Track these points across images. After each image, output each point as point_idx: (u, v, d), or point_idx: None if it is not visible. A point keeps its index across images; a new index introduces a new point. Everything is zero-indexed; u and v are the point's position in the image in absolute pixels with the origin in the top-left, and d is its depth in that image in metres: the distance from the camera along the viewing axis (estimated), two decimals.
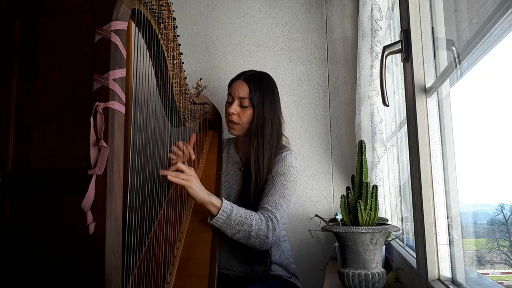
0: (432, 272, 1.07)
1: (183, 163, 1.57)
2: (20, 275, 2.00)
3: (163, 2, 1.23)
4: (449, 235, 1.08)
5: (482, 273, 1.05)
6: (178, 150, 1.62)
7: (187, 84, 1.58)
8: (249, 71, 1.83)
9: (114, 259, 0.86)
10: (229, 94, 1.78)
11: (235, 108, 1.73)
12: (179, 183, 1.45)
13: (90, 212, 0.85)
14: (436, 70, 1.12)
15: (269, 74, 1.85)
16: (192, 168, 1.52)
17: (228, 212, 1.49)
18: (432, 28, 1.13)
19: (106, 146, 0.87)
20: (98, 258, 0.84)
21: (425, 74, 1.11)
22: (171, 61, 1.41)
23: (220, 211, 1.48)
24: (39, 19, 2.17)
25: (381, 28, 1.84)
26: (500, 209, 0.96)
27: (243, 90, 1.73)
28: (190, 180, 1.47)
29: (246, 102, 1.72)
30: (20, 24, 2.17)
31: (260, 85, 1.74)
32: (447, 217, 1.08)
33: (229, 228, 1.49)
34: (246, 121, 1.73)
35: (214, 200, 1.50)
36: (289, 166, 1.68)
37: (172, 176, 1.44)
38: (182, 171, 1.47)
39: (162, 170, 1.45)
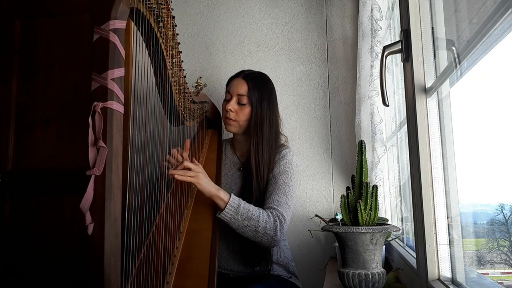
0: (432, 272, 1.07)
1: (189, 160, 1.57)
2: (20, 275, 2.00)
3: (162, 1, 1.22)
4: (449, 235, 1.08)
5: (482, 273, 1.04)
6: (172, 160, 1.58)
7: (186, 83, 1.58)
8: (247, 70, 1.83)
9: (113, 260, 0.85)
10: (227, 92, 1.79)
11: (232, 105, 1.73)
12: (187, 180, 1.48)
13: (89, 212, 0.85)
14: (436, 70, 1.12)
15: (269, 74, 1.86)
16: (199, 164, 1.54)
17: (236, 207, 1.51)
18: (432, 28, 1.13)
19: (105, 146, 0.87)
20: (97, 258, 0.84)
21: (425, 74, 1.11)
22: (170, 60, 1.41)
23: (227, 205, 1.50)
24: (39, 19, 2.17)
25: (381, 28, 1.83)
26: (500, 209, 0.96)
27: (242, 87, 1.73)
28: (198, 176, 1.49)
29: (245, 100, 1.72)
30: (20, 24, 2.17)
31: (259, 85, 1.75)
32: (447, 217, 1.08)
33: (237, 223, 1.51)
34: (243, 119, 1.73)
35: (222, 194, 1.52)
36: (290, 163, 1.69)
37: (179, 175, 1.46)
38: (189, 169, 1.49)
39: (170, 170, 1.47)
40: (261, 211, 1.55)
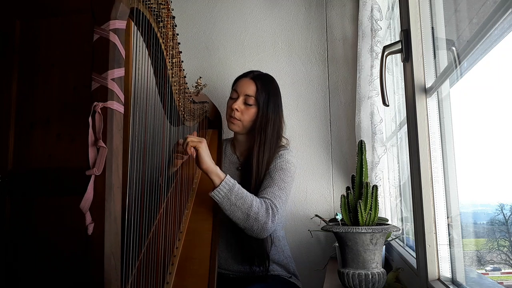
0: (432, 272, 1.07)
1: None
2: (20, 275, 1.99)
3: (162, 1, 1.23)
4: (449, 235, 1.08)
5: (482, 273, 1.04)
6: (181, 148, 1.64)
7: (186, 83, 1.58)
8: (256, 71, 1.85)
9: (113, 260, 0.85)
10: (234, 91, 1.79)
11: (239, 104, 1.74)
12: (193, 144, 1.50)
13: (89, 212, 0.85)
14: (436, 70, 1.12)
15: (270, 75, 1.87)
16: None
17: (231, 185, 1.52)
18: (432, 28, 1.13)
19: (105, 146, 0.87)
20: (97, 258, 0.84)
21: (425, 74, 1.11)
22: (170, 60, 1.41)
23: (223, 182, 1.51)
24: (39, 19, 2.17)
25: (381, 28, 1.83)
26: (500, 209, 0.96)
27: (250, 88, 1.74)
28: (202, 142, 1.52)
29: (252, 101, 1.73)
30: (20, 24, 2.17)
31: (267, 86, 1.76)
32: (447, 217, 1.08)
33: (229, 203, 1.50)
34: (248, 119, 1.74)
35: (219, 172, 1.54)
36: (287, 162, 1.70)
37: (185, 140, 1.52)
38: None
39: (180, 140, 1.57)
40: (254, 197, 1.56)
